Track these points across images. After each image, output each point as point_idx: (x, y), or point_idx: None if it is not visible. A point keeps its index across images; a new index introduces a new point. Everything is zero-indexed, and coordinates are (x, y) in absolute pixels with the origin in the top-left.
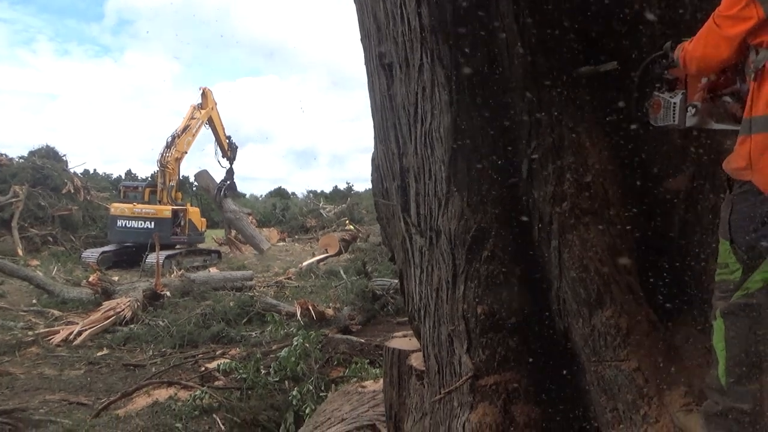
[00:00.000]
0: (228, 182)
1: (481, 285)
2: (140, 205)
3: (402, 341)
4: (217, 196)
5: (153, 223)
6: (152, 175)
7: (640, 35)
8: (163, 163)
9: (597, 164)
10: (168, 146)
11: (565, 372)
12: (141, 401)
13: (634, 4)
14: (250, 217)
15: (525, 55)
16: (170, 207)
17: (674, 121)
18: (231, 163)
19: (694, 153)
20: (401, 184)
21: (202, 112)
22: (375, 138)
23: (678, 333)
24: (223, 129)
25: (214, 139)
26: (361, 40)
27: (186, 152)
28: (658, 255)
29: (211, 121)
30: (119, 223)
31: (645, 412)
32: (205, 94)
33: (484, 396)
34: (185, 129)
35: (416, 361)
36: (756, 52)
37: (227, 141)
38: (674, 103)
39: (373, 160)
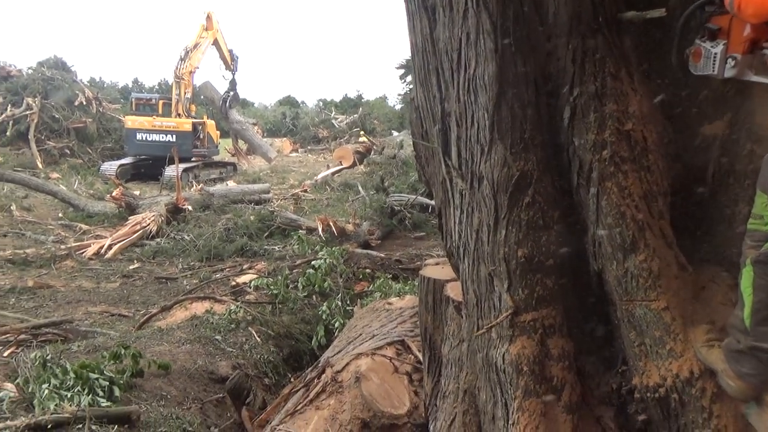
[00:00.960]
0: (231, 93)
1: (521, 230)
2: (160, 119)
3: (435, 269)
4: (222, 108)
5: (174, 136)
6: (159, 85)
7: None
8: (178, 75)
9: (637, 111)
10: (182, 59)
11: (597, 309)
12: (179, 314)
13: None
14: (256, 127)
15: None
16: (190, 120)
17: (713, 71)
18: (233, 74)
19: (732, 100)
20: (442, 127)
21: (208, 32)
22: (414, 79)
23: (704, 272)
24: (227, 46)
25: (218, 55)
26: None
27: (198, 67)
28: (690, 197)
29: (215, 42)
30: (139, 136)
31: (670, 347)
32: (209, 17)
33: (522, 331)
34: (196, 45)
35: (452, 291)
36: None
37: (230, 53)
38: (715, 53)
39: (412, 100)
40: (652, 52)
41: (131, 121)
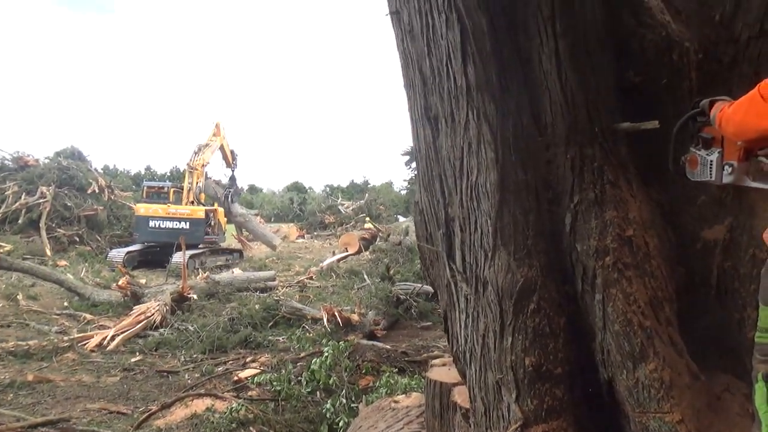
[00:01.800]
0: (232, 188)
1: (528, 337)
2: (174, 206)
3: (442, 371)
4: (225, 203)
5: (188, 223)
6: (171, 172)
7: (678, 89)
8: (192, 166)
9: (638, 217)
10: (195, 152)
11: (609, 421)
12: (179, 412)
13: (673, 54)
14: (258, 217)
15: (567, 112)
16: (203, 208)
17: (711, 177)
18: (233, 171)
19: (731, 204)
20: (446, 231)
21: (215, 138)
22: (419, 183)
23: (717, 381)
24: (229, 148)
25: (221, 155)
26: (405, 88)
27: (208, 162)
28: (696, 303)
29: (221, 147)
30: (152, 223)
31: None
32: (217, 126)
33: None
34: (207, 144)
35: (460, 397)
36: None
37: (231, 153)
38: (711, 161)
39: (416, 203)
40: (649, 160)
41: (144, 209)
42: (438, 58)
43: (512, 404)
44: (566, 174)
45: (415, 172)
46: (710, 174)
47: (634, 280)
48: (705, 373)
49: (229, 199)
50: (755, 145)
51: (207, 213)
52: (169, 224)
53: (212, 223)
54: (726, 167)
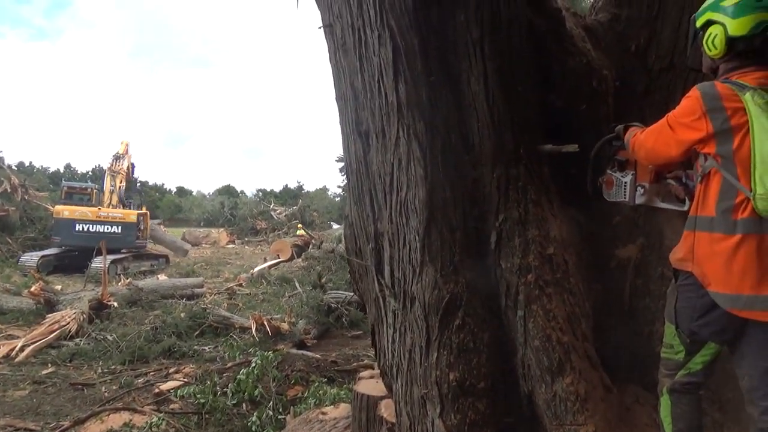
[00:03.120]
0: (134, 197)
1: (453, 353)
2: (106, 209)
3: (369, 384)
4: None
5: (120, 227)
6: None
7: (597, 114)
8: (114, 170)
9: (558, 236)
10: (117, 159)
11: None
12: (94, 428)
13: (593, 80)
14: (161, 226)
15: (494, 132)
16: (135, 212)
17: (625, 198)
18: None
19: (643, 225)
20: (375, 246)
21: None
22: (349, 197)
23: (628, 393)
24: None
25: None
26: (336, 100)
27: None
28: (609, 319)
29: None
30: (78, 227)
31: None
32: (125, 145)
33: None
34: (122, 156)
35: (386, 411)
36: (704, 158)
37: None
38: (625, 182)
39: (346, 217)
40: (569, 181)
41: (69, 211)
42: (370, 74)
43: (436, 419)
44: (492, 192)
45: (347, 186)
46: (624, 195)
47: (554, 296)
48: (617, 385)
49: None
50: (664, 169)
51: (138, 217)
52: (99, 228)
53: (142, 227)
54: (639, 188)
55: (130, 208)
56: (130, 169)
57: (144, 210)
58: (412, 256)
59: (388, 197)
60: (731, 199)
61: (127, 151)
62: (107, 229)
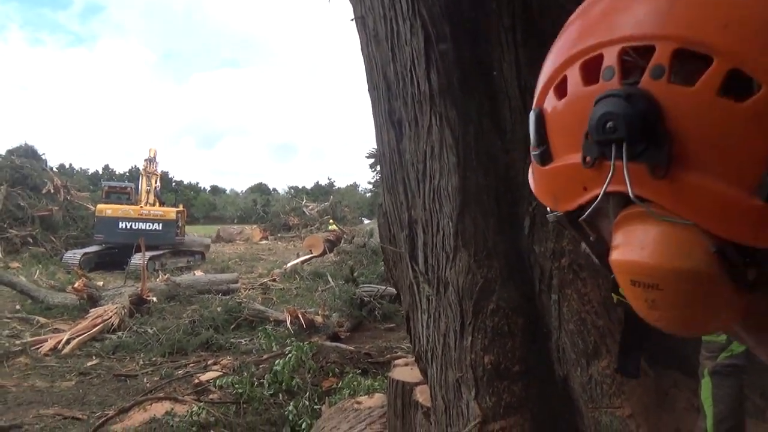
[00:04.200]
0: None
1: (487, 336)
2: (148, 207)
3: (404, 371)
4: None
5: (161, 225)
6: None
7: None
8: (149, 172)
9: None
10: (149, 161)
11: (564, 416)
12: (137, 416)
13: None
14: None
15: (527, 118)
16: (174, 209)
17: None
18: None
19: None
20: (409, 233)
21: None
22: (383, 186)
23: (665, 378)
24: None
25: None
26: (369, 91)
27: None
28: None
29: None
30: (121, 225)
31: None
32: (152, 152)
33: None
34: (152, 159)
35: (421, 396)
36: None
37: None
38: None
39: (380, 206)
40: None
41: (111, 210)
42: (402, 63)
43: (471, 402)
44: (525, 178)
45: (380, 175)
46: None
47: (588, 280)
48: (655, 370)
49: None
50: None
51: (177, 214)
52: (141, 225)
53: (179, 224)
54: None
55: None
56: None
57: (181, 208)
58: (446, 242)
59: (422, 185)
60: None
61: (155, 157)
62: (149, 226)
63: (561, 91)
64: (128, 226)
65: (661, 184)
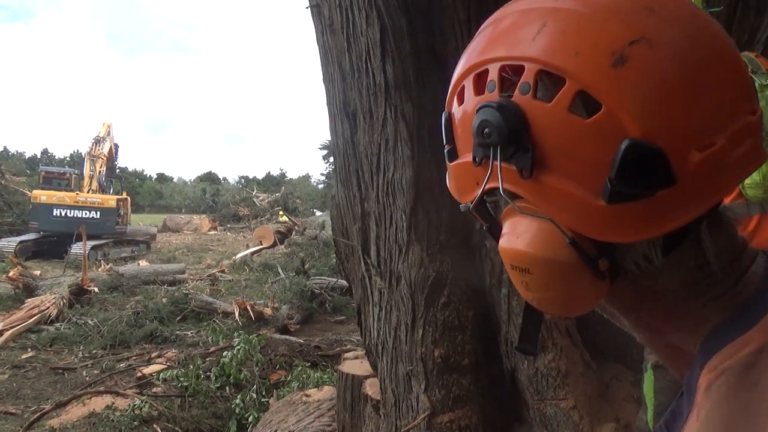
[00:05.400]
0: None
1: (438, 330)
2: (84, 194)
3: (354, 364)
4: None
5: (99, 213)
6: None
7: None
8: (94, 155)
9: None
10: (96, 143)
11: (510, 408)
12: (76, 411)
13: None
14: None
15: None
16: (115, 197)
17: None
18: (115, 163)
19: None
20: (362, 226)
21: (107, 138)
22: (336, 178)
23: (607, 370)
24: (113, 143)
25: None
26: (324, 82)
27: (106, 155)
28: None
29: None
30: (56, 212)
31: None
32: (106, 127)
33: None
34: (103, 139)
35: (371, 389)
36: None
37: (114, 147)
38: None
39: (333, 197)
40: None
41: (46, 196)
42: (357, 54)
43: (421, 394)
44: None
45: (333, 167)
46: None
47: None
48: (597, 362)
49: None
50: None
51: (118, 202)
52: (77, 213)
53: (122, 213)
54: None
55: (109, 194)
56: (113, 152)
57: (125, 195)
58: (399, 236)
59: (375, 177)
60: None
61: (109, 132)
62: (86, 214)
63: (460, 98)
64: (63, 214)
65: (528, 183)
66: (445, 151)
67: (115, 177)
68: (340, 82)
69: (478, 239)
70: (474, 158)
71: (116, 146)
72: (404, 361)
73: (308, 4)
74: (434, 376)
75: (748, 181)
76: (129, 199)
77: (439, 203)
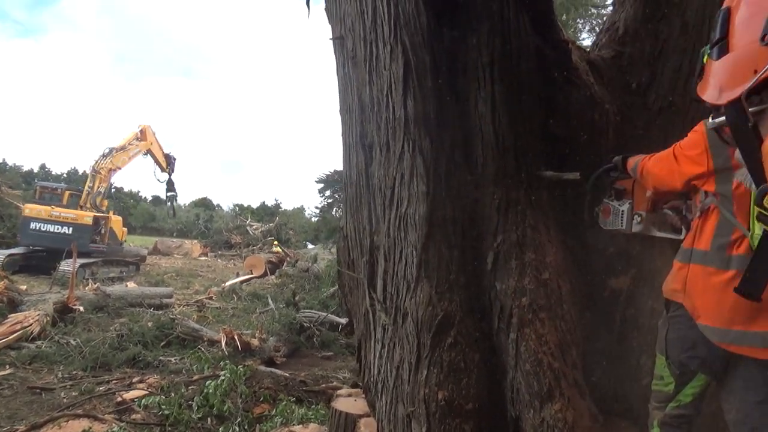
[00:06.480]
0: (171, 193)
1: (443, 371)
2: (59, 209)
3: (348, 402)
4: (169, 211)
5: (71, 228)
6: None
7: (597, 146)
8: (96, 169)
9: (554, 261)
10: (104, 155)
11: None
12: None
13: (595, 113)
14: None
15: (498, 154)
16: (92, 213)
17: (622, 226)
18: (170, 175)
19: (636, 257)
20: (370, 259)
21: (141, 143)
22: (346, 209)
23: (612, 425)
24: (163, 153)
25: (153, 161)
26: (341, 112)
27: (120, 168)
28: (599, 349)
29: (150, 152)
30: (33, 225)
31: None
32: (143, 131)
33: None
34: (123, 148)
35: (366, 429)
36: (705, 195)
37: (166, 157)
38: (622, 211)
39: (341, 228)
40: (565, 208)
41: (30, 209)
42: (379, 87)
43: None
44: (492, 214)
45: (329, 201)
46: (621, 223)
47: (546, 321)
48: (602, 416)
49: (171, 205)
50: (665, 198)
51: (96, 219)
52: (50, 228)
53: (102, 231)
54: (636, 217)
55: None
56: (171, 162)
57: (108, 214)
58: (408, 272)
59: (388, 211)
60: (727, 235)
61: (146, 137)
62: (57, 229)
63: None
64: (38, 228)
65: None
66: (714, 48)
67: (109, 196)
68: (359, 114)
69: (488, 280)
70: (762, 37)
71: (170, 157)
72: (405, 402)
73: (332, 36)
74: (437, 419)
75: (757, 230)
76: (119, 219)
77: (450, 241)
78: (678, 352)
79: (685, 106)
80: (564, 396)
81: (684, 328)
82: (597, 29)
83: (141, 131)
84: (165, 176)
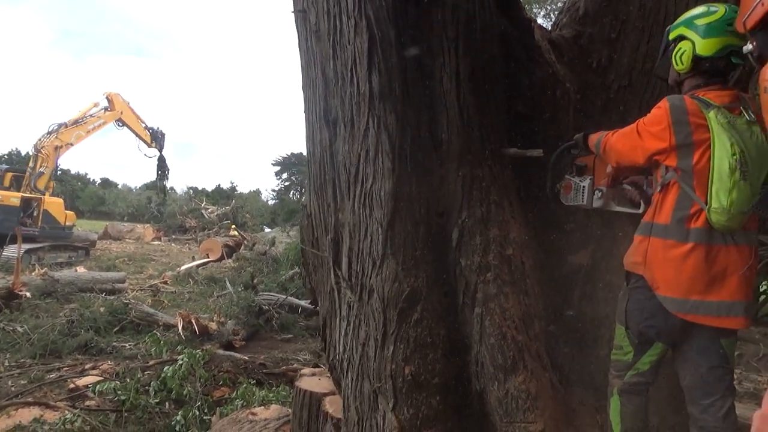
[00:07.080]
0: (166, 171)
1: (409, 347)
2: None
3: (312, 381)
4: (160, 192)
5: None
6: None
7: (559, 123)
8: (38, 148)
9: (517, 237)
10: (49, 132)
11: (478, 430)
12: (0, 423)
13: (557, 91)
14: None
15: (463, 131)
16: (19, 194)
17: (583, 201)
18: (161, 151)
19: (595, 233)
20: (334, 237)
21: (107, 114)
22: (310, 187)
23: (573, 394)
24: (141, 125)
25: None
26: (304, 88)
27: (72, 144)
28: (558, 321)
29: (124, 123)
30: None
31: None
32: (111, 100)
33: None
34: (77, 122)
35: (331, 407)
36: (666, 170)
37: (151, 131)
38: (584, 186)
39: (304, 206)
40: (528, 185)
41: None
42: (343, 62)
43: (388, 413)
44: (456, 190)
45: (286, 183)
46: (582, 198)
47: (510, 296)
48: (563, 386)
49: (164, 185)
50: (623, 173)
51: (27, 201)
52: None
53: (34, 214)
54: (596, 192)
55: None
56: (160, 139)
57: (45, 196)
58: (373, 248)
59: (353, 188)
60: (686, 209)
61: (115, 106)
62: None
63: None
64: None
65: None
66: None
67: (55, 179)
68: (323, 90)
69: (453, 257)
70: None
71: (156, 131)
72: (371, 378)
73: (293, 9)
74: (404, 394)
75: (714, 204)
76: (58, 201)
77: (416, 218)
78: (637, 322)
79: (642, 85)
80: (527, 368)
81: (643, 299)
82: (552, 16)
83: (109, 100)
84: (153, 152)
